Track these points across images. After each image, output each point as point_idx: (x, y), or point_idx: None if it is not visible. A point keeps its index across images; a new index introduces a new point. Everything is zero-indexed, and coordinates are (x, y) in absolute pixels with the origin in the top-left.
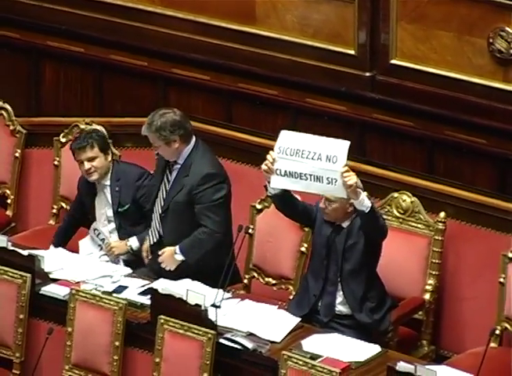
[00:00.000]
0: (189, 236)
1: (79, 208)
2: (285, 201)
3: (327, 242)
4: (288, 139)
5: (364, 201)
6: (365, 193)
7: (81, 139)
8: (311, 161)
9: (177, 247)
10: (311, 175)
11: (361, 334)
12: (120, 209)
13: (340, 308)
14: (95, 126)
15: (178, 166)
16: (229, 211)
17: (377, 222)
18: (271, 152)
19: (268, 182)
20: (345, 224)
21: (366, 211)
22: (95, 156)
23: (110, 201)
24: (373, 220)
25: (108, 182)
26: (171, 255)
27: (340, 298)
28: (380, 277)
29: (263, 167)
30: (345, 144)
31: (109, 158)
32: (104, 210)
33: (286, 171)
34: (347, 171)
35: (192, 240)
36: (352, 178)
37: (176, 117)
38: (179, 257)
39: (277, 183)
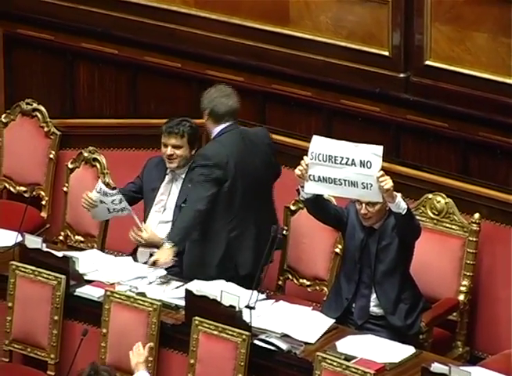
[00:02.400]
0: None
1: (133, 189)
2: (317, 206)
3: (360, 245)
4: (320, 144)
5: (400, 204)
6: (400, 195)
7: (174, 123)
8: (344, 167)
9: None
10: (345, 181)
11: (393, 335)
12: (183, 204)
13: (374, 309)
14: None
15: (181, 180)
16: (228, 202)
17: (413, 223)
18: (304, 157)
19: (301, 187)
20: (377, 225)
21: (403, 213)
22: (181, 145)
23: (177, 194)
24: (409, 221)
25: (183, 176)
26: (161, 250)
27: (373, 300)
28: (414, 278)
29: (296, 172)
30: (379, 149)
31: (193, 152)
32: (165, 197)
33: (319, 177)
34: (382, 175)
35: (174, 221)
36: (389, 183)
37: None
38: (167, 245)
39: (311, 189)
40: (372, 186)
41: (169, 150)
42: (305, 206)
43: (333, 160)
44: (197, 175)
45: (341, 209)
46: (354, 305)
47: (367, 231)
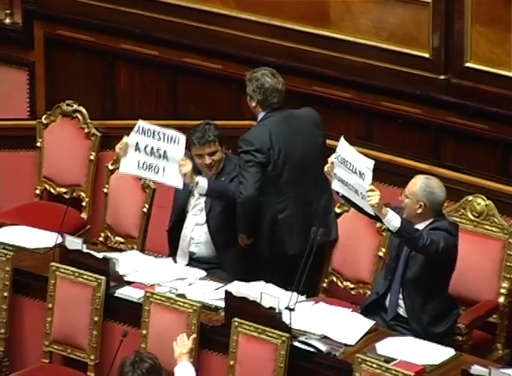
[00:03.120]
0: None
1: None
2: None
3: (398, 245)
4: (343, 146)
5: (391, 222)
6: (393, 214)
7: (201, 132)
8: (352, 174)
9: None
10: (353, 186)
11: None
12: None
13: (401, 310)
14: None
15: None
16: (274, 184)
17: (409, 243)
18: (332, 155)
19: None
20: (419, 226)
21: (393, 231)
22: (216, 150)
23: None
24: (405, 241)
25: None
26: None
27: (401, 301)
28: (452, 286)
29: (325, 168)
30: (371, 163)
31: (225, 151)
32: (201, 200)
33: (339, 177)
34: (371, 190)
35: (221, 186)
36: (374, 199)
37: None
38: (202, 181)
39: (335, 186)
40: (365, 197)
41: (207, 160)
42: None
43: (347, 164)
44: (243, 162)
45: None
46: (387, 302)
47: None
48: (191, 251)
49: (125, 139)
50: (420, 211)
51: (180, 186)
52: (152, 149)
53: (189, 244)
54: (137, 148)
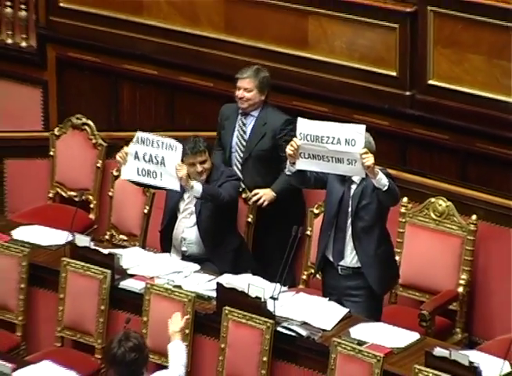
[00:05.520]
0: (270, 180)
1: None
2: (300, 177)
3: (339, 201)
4: (306, 125)
5: (381, 180)
6: (381, 172)
7: (193, 143)
8: (331, 145)
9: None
10: (332, 157)
11: (368, 292)
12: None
13: (353, 261)
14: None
15: (253, 117)
16: None
17: (393, 195)
18: (294, 139)
19: (291, 164)
20: (356, 178)
21: (384, 189)
22: (206, 159)
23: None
24: (390, 194)
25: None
26: (267, 190)
27: (352, 253)
28: (412, 264)
29: (288, 151)
30: (362, 128)
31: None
32: (191, 205)
33: (309, 154)
34: (365, 152)
35: (213, 189)
36: (370, 160)
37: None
38: (197, 185)
39: (303, 165)
40: (356, 162)
41: (199, 167)
42: (290, 179)
43: (319, 140)
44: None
45: (321, 173)
46: (330, 255)
47: (347, 188)
48: (183, 250)
49: (125, 148)
50: None
51: (177, 188)
52: (150, 156)
53: (181, 244)
54: (136, 156)
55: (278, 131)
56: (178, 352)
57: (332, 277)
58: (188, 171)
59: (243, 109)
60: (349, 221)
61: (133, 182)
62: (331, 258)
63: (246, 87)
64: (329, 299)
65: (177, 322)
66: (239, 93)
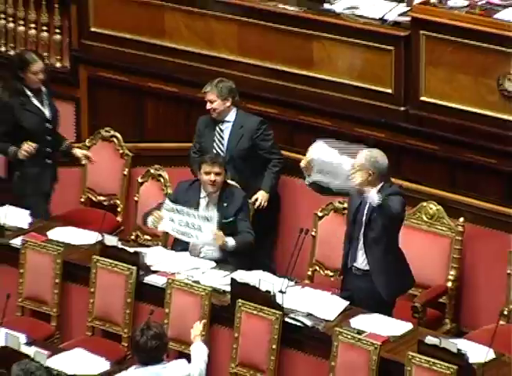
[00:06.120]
0: (253, 174)
1: None
2: (318, 187)
3: (355, 212)
4: (320, 150)
5: (371, 197)
6: (374, 191)
7: (214, 155)
8: (339, 167)
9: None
10: (334, 175)
11: (373, 296)
12: (224, 221)
13: (363, 264)
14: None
15: (229, 123)
16: None
17: (385, 212)
18: (307, 154)
19: (307, 175)
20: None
21: (374, 205)
22: (221, 172)
23: (216, 212)
24: (382, 211)
25: (217, 198)
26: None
27: (363, 256)
28: (406, 259)
29: (301, 165)
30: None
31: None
32: (208, 211)
33: (321, 170)
34: (352, 172)
35: (242, 239)
36: (355, 179)
37: (233, 85)
38: (231, 241)
39: (315, 178)
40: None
41: (212, 177)
42: (311, 187)
43: (328, 164)
44: (271, 136)
45: None
46: (348, 261)
47: (363, 200)
48: (201, 256)
49: (157, 213)
50: (370, 178)
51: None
52: (187, 223)
53: (200, 249)
54: (172, 220)
55: (254, 131)
56: (199, 352)
57: (347, 276)
58: (202, 179)
59: (214, 118)
60: (362, 231)
61: None
62: (348, 261)
63: (210, 99)
64: (344, 295)
65: (197, 328)
66: (207, 106)
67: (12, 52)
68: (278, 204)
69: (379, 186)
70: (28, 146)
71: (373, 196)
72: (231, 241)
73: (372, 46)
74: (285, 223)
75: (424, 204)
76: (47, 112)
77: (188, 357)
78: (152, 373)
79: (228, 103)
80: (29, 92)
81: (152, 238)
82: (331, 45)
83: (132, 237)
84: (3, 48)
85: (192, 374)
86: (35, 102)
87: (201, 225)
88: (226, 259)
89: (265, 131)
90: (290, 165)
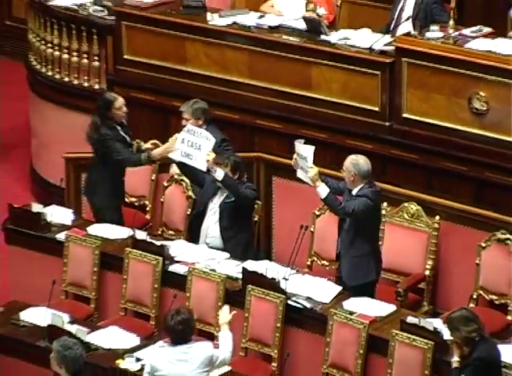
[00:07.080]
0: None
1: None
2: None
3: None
4: (300, 148)
5: (320, 192)
6: (323, 185)
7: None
8: (303, 160)
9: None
10: (303, 169)
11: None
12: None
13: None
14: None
15: None
16: None
17: (332, 210)
18: (294, 154)
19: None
20: (354, 191)
21: (321, 198)
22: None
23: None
24: (329, 208)
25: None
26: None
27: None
28: (381, 253)
29: (292, 162)
30: (311, 149)
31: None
32: (217, 205)
33: (301, 167)
34: (311, 167)
35: (232, 179)
36: (310, 173)
37: (206, 106)
38: (220, 171)
39: (299, 174)
40: (308, 172)
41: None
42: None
43: (304, 158)
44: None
45: (341, 183)
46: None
47: (349, 196)
48: (207, 242)
49: (176, 134)
50: (352, 178)
51: (204, 169)
52: (192, 143)
53: (206, 238)
54: (182, 141)
55: (218, 145)
56: (226, 339)
57: (339, 261)
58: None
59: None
60: (343, 223)
61: (178, 166)
62: (338, 248)
63: (185, 117)
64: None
65: (225, 315)
66: (182, 122)
67: (57, 76)
68: (279, 205)
69: (359, 187)
70: (151, 144)
71: (321, 190)
72: (220, 171)
73: (361, 71)
74: (287, 221)
75: (406, 204)
76: (128, 137)
77: (206, 334)
78: (179, 351)
79: (200, 122)
80: (118, 127)
81: (175, 233)
82: (327, 70)
83: (159, 232)
84: (50, 73)
85: (216, 356)
86: (122, 133)
87: (201, 145)
88: (225, 250)
89: (225, 147)
90: (289, 170)
